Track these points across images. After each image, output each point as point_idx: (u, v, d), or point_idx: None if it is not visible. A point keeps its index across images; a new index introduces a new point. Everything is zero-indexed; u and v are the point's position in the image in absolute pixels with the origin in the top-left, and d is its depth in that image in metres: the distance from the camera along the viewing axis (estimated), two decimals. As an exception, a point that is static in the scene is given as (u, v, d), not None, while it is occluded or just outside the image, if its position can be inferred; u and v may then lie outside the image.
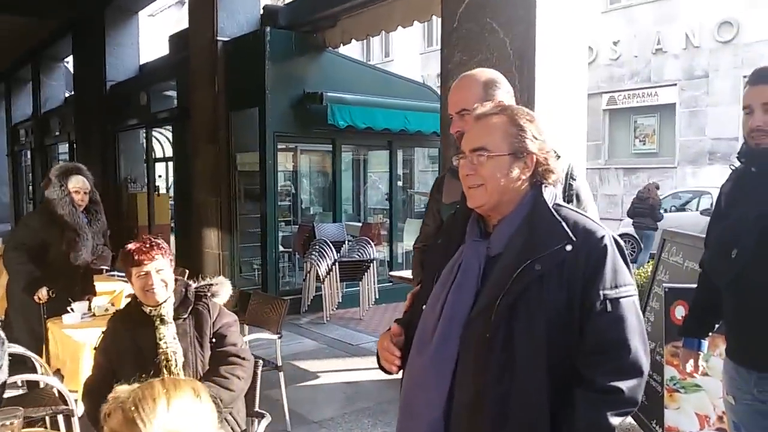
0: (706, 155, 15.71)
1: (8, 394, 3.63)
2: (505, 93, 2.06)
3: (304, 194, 10.22)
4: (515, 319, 1.47)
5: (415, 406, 1.59)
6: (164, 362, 2.42)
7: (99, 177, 10.94)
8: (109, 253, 4.45)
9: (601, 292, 1.47)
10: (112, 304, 4.01)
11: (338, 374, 5.39)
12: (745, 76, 2.24)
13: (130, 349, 2.47)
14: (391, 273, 7.19)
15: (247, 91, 7.60)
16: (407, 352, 1.66)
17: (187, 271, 5.42)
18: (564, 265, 1.47)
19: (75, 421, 3.21)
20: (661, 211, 11.52)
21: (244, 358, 2.52)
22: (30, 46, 14.74)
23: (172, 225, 10.74)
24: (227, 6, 7.89)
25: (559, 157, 2.00)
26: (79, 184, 4.30)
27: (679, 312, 3.13)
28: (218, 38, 7.80)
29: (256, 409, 2.71)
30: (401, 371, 1.69)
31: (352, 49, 21.29)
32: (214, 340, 2.52)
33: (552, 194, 1.60)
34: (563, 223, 1.51)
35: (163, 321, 2.46)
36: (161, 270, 2.46)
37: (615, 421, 1.45)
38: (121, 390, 1.13)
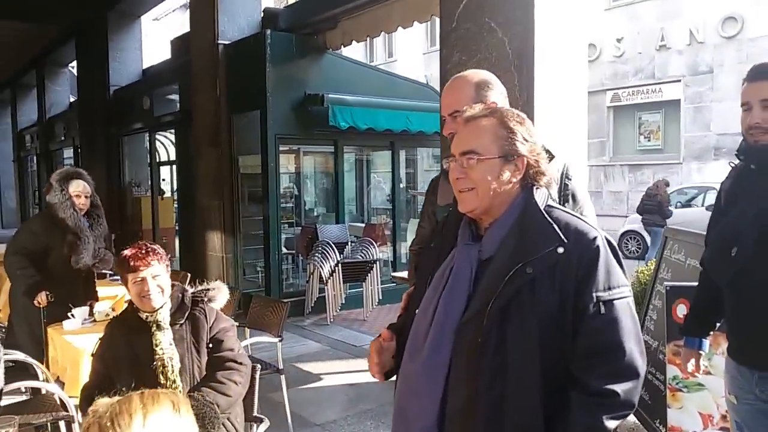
0: (712, 151, 15.63)
1: (11, 400, 3.66)
2: (498, 94, 2.04)
3: (308, 196, 10.23)
4: (507, 323, 1.45)
5: (409, 412, 1.58)
6: (161, 368, 2.41)
7: (103, 181, 11.10)
8: (111, 257, 4.46)
9: (594, 295, 1.45)
10: (113, 309, 4.00)
11: (341, 376, 5.38)
12: (750, 72, 2.21)
13: (126, 356, 2.47)
14: (394, 274, 7.19)
15: (249, 94, 7.61)
16: (400, 357, 1.65)
17: (189, 275, 5.44)
18: (556, 268, 1.46)
19: (75, 428, 3.21)
20: (671, 207, 11.45)
21: (241, 363, 2.51)
22: (34, 52, 14.83)
23: (177, 228, 10.77)
24: (228, 9, 7.90)
25: (553, 157, 1.99)
26: (79, 188, 4.32)
27: (681, 310, 3.11)
28: (219, 41, 7.82)
29: (255, 413, 2.70)
30: (394, 376, 1.68)
31: (355, 51, 21.32)
32: (211, 345, 2.51)
33: (543, 196, 1.58)
34: (554, 225, 1.49)
35: (159, 327, 2.46)
36: (157, 276, 2.46)
37: (611, 424, 1.43)
38: (101, 403, 1.12)
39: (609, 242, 1.53)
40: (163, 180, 11.50)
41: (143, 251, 2.45)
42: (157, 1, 11.46)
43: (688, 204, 13.25)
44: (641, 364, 1.47)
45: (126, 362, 2.46)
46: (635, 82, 17.27)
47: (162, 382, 2.42)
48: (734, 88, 15.00)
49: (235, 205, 8.11)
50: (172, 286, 2.58)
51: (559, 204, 2.00)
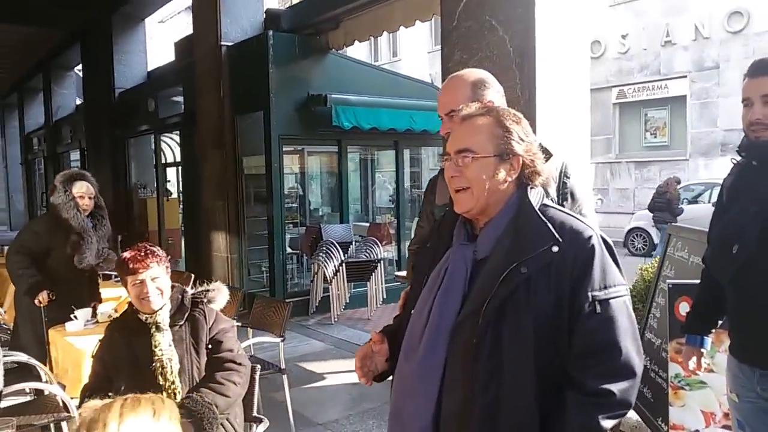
0: (719, 147, 15.54)
1: (16, 401, 3.69)
2: (495, 93, 2.03)
3: (312, 196, 10.25)
4: (503, 323, 1.45)
5: (404, 412, 1.58)
6: (160, 369, 2.42)
7: (110, 183, 11.16)
8: (114, 257, 4.48)
9: (589, 294, 1.44)
10: (116, 311, 4.02)
11: (344, 375, 5.38)
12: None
13: (126, 357, 2.47)
14: (398, 273, 7.19)
15: (252, 95, 7.63)
16: (395, 358, 1.65)
17: (193, 276, 5.46)
18: (551, 267, 1.45)
19: (78, 429, 3.22)
20: (681, 205, 11.40)
21: (240, 364, 2.52)
22: (40, 56, 14.91)
23: (182, 229, 10.81)
24: (231, 11, 7.93)
25: (551, 155, 1.99)
26: (83, 190, 4.35)
27: (684, 308, 3.08)
28: (222, 43, 7.84)
29: (255, 413, 2.70)
30: (389, 377, 1.68)
31: (360, 50, 21.33)
32: (210, 346, 2.52)
33: (539, 195, 1.57)
34: (549, 225, 1.48)
35: (158, 328, 2.46)
36: (156, 278, 2.46)
37: (607, 424, 1.42)
38: (87, 407, 1.13)
39: (605, 241, 1.52)
40: (168, 182, 11.54)
41: (142, 253, 2.46)
42: (161, 3, 11.49)
43: (694, 200, 13.20)
44: (638, 363, 1.46)
45: (125, 363, 2.47)
46: (641, 78, 17.19)
47: (161, 383, 2.43)
48: (741, 83, 14.89)
49: (240, 206, 8.13)
50: (172, 287, 2.58)
51: (558, 202, 2.01)
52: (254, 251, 8.23)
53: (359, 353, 1.70)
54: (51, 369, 3.80)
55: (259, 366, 2.77)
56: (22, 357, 3.67)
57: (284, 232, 7.96)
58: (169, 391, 2.44)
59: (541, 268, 1.44)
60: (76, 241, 4.26)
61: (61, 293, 4.23)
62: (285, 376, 4.29)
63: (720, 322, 2.43)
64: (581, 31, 4.15)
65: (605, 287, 1.46)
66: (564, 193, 2.04)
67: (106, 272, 5.32)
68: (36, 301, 4.18)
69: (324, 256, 7.59)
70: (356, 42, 7.65)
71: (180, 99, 9.82)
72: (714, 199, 12.25)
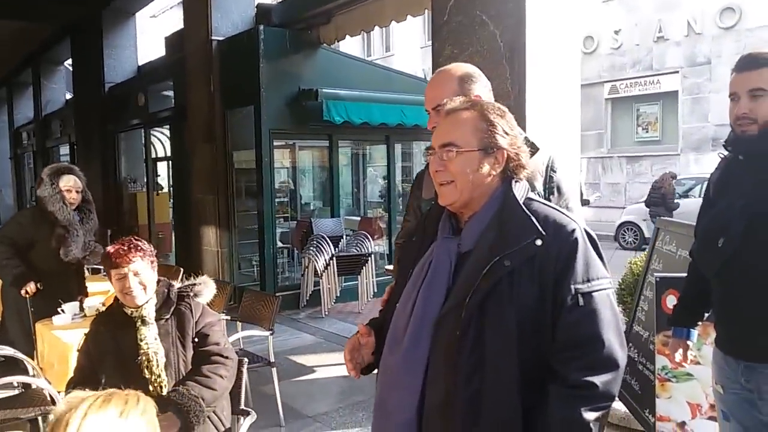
0: (710, 142, 15.62)
1: (4, 394, 3.67)
2: (482, 87, 2.03)
3: (303, 190, 10.23)
4: (485, 316, 1.45)
5: (389, 405, 1.58)
6: (145, 363, 2.41)
7: (99, 177, 11.10)
8: (101, 250, 4.46)
9: (572, 287, 1.45)
10: (104, 305, 4.00)
11: (335, 368, 5.39)
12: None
13: (111, 351, 2.46)
14: (388, 267, 7.20)
15: (242, 90, 7.61)
16: (381, 351, 1.65)
17: (182, 270, 5.45)
18: (535, 260, 1.45)
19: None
20: (677, 200, 11.44)
21: (227, 357, 2.51)
22: (30, 50, 14.80)
23: (173, 223, 10.78)
24: (221, 5, 7.90)
25: (537, 150, 1.99)
26: (70, 183, 4.33)
27: (671, 301, 3.10)
28: (213, 38, 7.81)
29: (242, 406, 2.70)
30: (375, 370, 1.68)
31: (353, 45, 21.29)
32: (196, 339, 2.51)
33: (523, 189, 1.57)
34: (533, 218, 1.48)
35: (144, 322, 2.45)
36: (139, 273, 2.44)
37: (590, 416, 1.42)
38: (61, 402, 1.12)
39: (588, 234, 1.52)
40: (159, 176, 11.49)
41: (125, 247, 2.44)
42: (151, -3, 11.45)
43: (685, 195, 13.26)
44: (621, 355, 1.46)
45: (111, 357, 2.46)
46: (633, 73, 17.25)
47: (147, 376, 2.42)
48: (731, 79, 14.97)
49: (230, 200, 8.12)
50: (159, 281, 2.57)
51: (545, 196, 2.01)
52: (245, 245, 8.23)
53: (348, 345, 1.70)
54: (37, 363, 3.79)
55: (246, 359, 2.76)
56: (8, 351, 3.64)
57: (275, 226, 7.95)
58: (155, 385, 2.44)
59: (525, 261, 1.45)
60: (61, 234, 4.23)
61: (48, 286, 4.21)
62: (274, 369, 4.30)
63: (706, 314, 2.45)
64: (572, 26, 4.16)
65: (588, 280, 1.46)
66: (551, 187, 2.04)
67: (95, 266, 5.30)
68: (23, 292, 4.16)
69: (314, 250, 7.59)
70: (348, 37, 7.64)
71: (170, 93, 9.78)
72: (705, 193, 12.32)
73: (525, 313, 1.44)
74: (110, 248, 2.46)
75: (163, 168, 11.55)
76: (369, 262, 7.72)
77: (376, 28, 7.53)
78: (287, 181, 9.60)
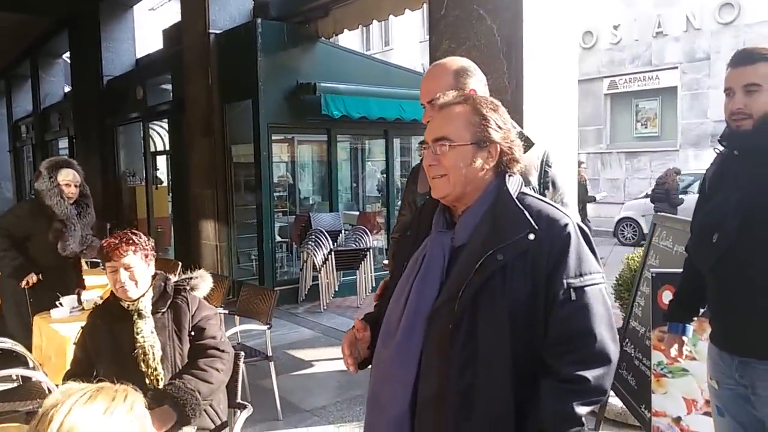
0: (709, 138, 15.61)
1: (2, 386, 3.68)
2: (477, 81, 2.03)
3: (302, 184, 10.23)
4: (478, 310, 1.45)
5: (382, 398, 1.59)
6: (142, 356, 2.42)
7: (98, 171, 11.09)
8: (98, 244, 4.48)
9: (565, 281, 1.45)
10: (102, 298, 4.01)
11: (333, 363, 5.40)
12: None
13: (108, 344, 2.47)
14: (386, 262, 7.20)
15: (240, 84, 7.60)
16: (375, 345, 1.65)
17: (180, 264, 5.45)
18: (527, 255, 1.46)
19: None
20: (681, 196, 11.43)
21: (223, 351, 2.52)
22: (28, 43, 14.75)
23: (172, 217, 10.78)
24: (218, -2, 7.87)
25: (532, 144, 1.99)
26: (69, 177, 4.33)
27: (667, 297, 3.10)
28: (210, 31, 7.78)
29: (239, 400, 2.70)
30: (369, 365, 1.69)
31: (352, 39, 21.24)
32: (193, 333, 2.52)
33: (517, 183, 1.58)
34: (526, 212, 1.49)
35: (140, 315, 2.46)
36: (131, 266, 2.44)
37: (582, 410, 1.43)
38: (51, 396, 1.11)
39: (581, 229, 1.52)
40: (158, 170, 11.48)
41: (117, 241, 2.44)
42: (149, -10, 11.40)
43: (684, 191, 13.24)
44: (613, 350, 1.47)
45: (108, 350, 2.46)
46: (632, 69, 17.22)
47: (143, 369, 2.43)
48: (729, 74, 14.93)
49: (229, 194, 8.11)
50: (155, 275, 2.57)
51: (540, 191, 2.02)
52: (243, 239, 8.23)
53: (346, 340, 1.71)
54: (34, 356, 3.79)
55: (243, 353, 2.77)
56: (7, 343, 3.65)
57: (273, 220, 7.94)
58: (152, 378, 2.45)
59: (518, 255, 1.45)
60: (59, 228, 4.24)
61: (46, 280, 4.23)
62: (272, 363, 4.31)
63: (702, 310, 2.45)
64: (570, 20, 4.15)
65: (581, 275, 1.46)
66: (545, 182, 2.05)
67: (94, 260, 5.31)
68: (23, 283, 4.17)
69: (313, 244, 7.59)
70: (346, 30, 7.62)
71: (168, 87, 9.76)
72: (704, 190, 12.31)
73: (517, 307, 1.44)
74: (104, 241, 2.46)
75: (162, 162, 11.54)
76: (367, 256, 7.73)
77: (375, 22, 7.52)
78: (286, 175, 9.60)
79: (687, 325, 2.46)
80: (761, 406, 2.07)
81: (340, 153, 9.23)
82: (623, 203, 14.62)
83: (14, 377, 3.96)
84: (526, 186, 1.65)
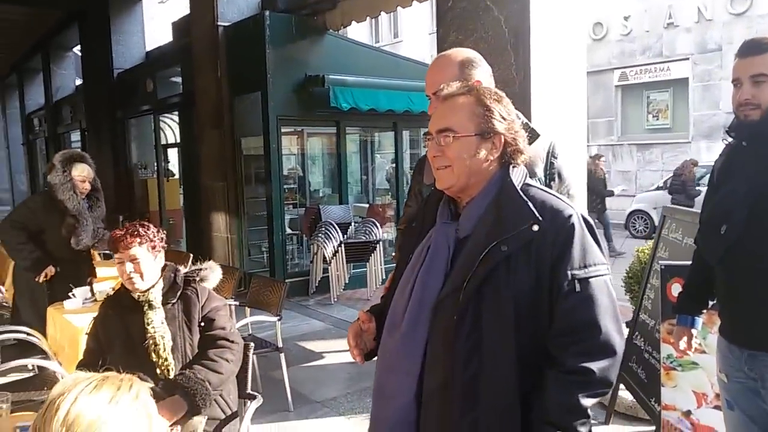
0: (721, 129, 15.39)
1: (19, 376, 3.73)
2: (483, 72, 2.02)
3: (312, 177, 10.24)
4: (483, 301, 1.46)
5: (387, 389, 1.60)
6: (152, 346, 2.44)
7: (110, 164, 11.16)
8: (109, 236, 4.53)
9: (569, 273, 1.45)
10: (113, 289, 4.05)
11: (343, 354, 5.42)
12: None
13: (119, 334, 2.50)
14: (395, 254, 7.20)
15: (249, 76, 7.61)
16: (381, 336, 1.67)
17: (191, 256, 5.49)
18: (531, 246, 1.46)
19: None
20: (698, 188, 11.35)
21: (233, 341, 2.54)
22: (39, 36, 14.83)
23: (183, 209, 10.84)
24: (227, -9, 7.88)
25: (538, 135, 1.99)
26: (84, 173, 4.37)
27: (676, 289, 3.10)
28: (219, 23, 7.80)
29: (249, 390, 2.73)
30: (373, 358, 1.70)
31: (361, 32, 21.19)
32: (202, 324, 2.54)
33: (521, 174, 1.58)
34: (530, 204, 1.49)
35: (151, 306, 2.48)
36: (136, 259, 2.46)
37: (587, 402, 1.44)
38: (58, 384, 1.13)
39: (585, 220, 1.52)
40: (169, 162, 11.54)
41: (123, 233, 2.47)
42: (159, -17, 11.43)
43: (697, 183, 13.16)
44: (618, 342, 1.47)
45: (119, 341, 2.49)
46: (643, 60, 17.06)
47: (154, 360, 2.46)
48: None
49: (239, 187, 8.15)
50: (165, 266, 2.60)
51: (546, 183, 2.01)
52: (254, 232, 8.26)
53: (351, 331, 1.72)
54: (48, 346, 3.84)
55: (252, 344, 2.79)
56: (24, 333, 3.70)
57: (283, 212, 7.97)
58: (163, 368, 2.47)
59: (522, 246, 1.45)
60: (71, 223, 4.28)
61: (60, 272, 4.27)
62: (282, 355, 4.34)
63: (711, 302, 2.44)
64: (578, 11, 4.13)
65: (585, 266, 1.47)
66: (551, 174, 2.05)
67: (107, 251, 5.36)
68: (42, 276, 4.22)
69: (323, 236, 7.61)
70: (354, 22, 7.60)
71: (178, 79, 9.79)
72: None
73: (522, 299, 1.45)
74: (113, 233, 2.49)
75: (173, 154, 11.60)
76: (377, 249, 7.74)
77: (383, 13, 7.49)
78: (295, 167, 9.62)
79: (696, 317, 2.45)
80: (771, 399, 2.07)
81: (350, 145, 9.23)
82: (634, 195, 14.53)
83: (30, 367, 4.01)
84: (531, 177, 1.65)
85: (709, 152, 15.52)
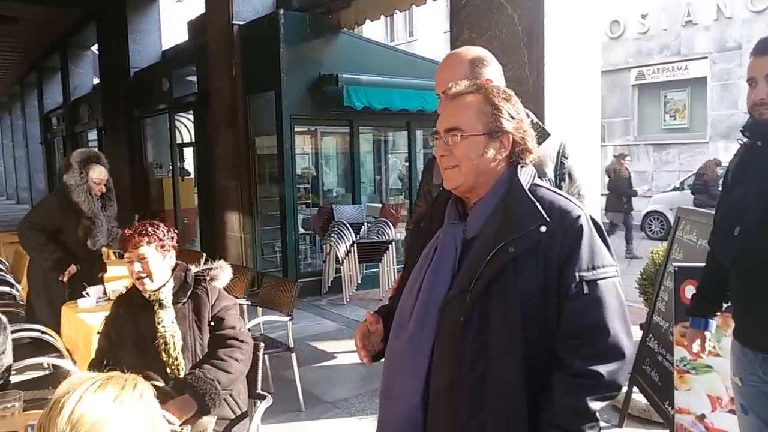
0: (739, 130, 15.25)
1: (34, 374, 3.77)
2: (493, 71, 2.01)
3: (325, 176, 10.26)
4: (490, 302, 1.44)
5: (394, 390, 1.59)
6: (163, 345, 2.46)
7: (126, 162, 11.25)
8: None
9: (577, 274, 1.43)
10: (126, 288, 4.08)
11: (355, 355, 5.37)
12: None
13: (130, 333, 2.51)
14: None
15: (263, 75, 7.63)
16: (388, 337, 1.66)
17: (204, 255, 5.51)
18: (539, 247, 1.44)
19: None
20: (719, 188, 11.24)
21: (242, 341, 2.54)
22: (58, 35, 14.99)
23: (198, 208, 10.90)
24: (242, -11, 7.91)
25: (548, 135, 1.97)
26: (102, 176, 4.42)
27: (689, 291, 3.06)
28: (234, 22, 7.83)
29: (260, 390, 2.73)
30: (381, 359, 1.69)
31: (376, 30, 21.19)
32: (212, 323, 2.55)
33: (529, 174, 1.56)
34: (538, 204, 1.47)
35: (161, 305, 2.50)
36: (144, 258, 2.47)
37: (596, 405, 1.42)
38: (63, 384, 1.14)
39: (594, 221, 1.50)
40: (184, 161, 11.61)
41: (133, 231, 2.48)
42: (175, -18, 11.51)
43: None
44: (627, 344, 1.45)
45: (130, 340, 2.51)
46: (660, 59, 16.87)
47: (164, 359, 2.47)
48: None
49: (253, 186, 8.17)
50: (176, 265, 2.61)
51: (556, 183, 1.99)
52: (267, 231, 8.29)
53: (358, 333, 1.72)
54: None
55: (262, 343, 2.80)
56: (38, 331, 3.74)
57: (296, 212, 7.98)
58: (173, 368, 2.48)
59: (529, 247, 1.44)
60: (87, 225, 4.34)
61: (77, 271, 4.32)
62: (293, 355, 4.34)
63: (725, 305, 2.41)
64: (593, 9, 4.09)
65: (593, 268, 1.45)
66: (562, 174, 2.02)
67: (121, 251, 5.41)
68: (66, 275, 4.27)
69: (336, 236, 7.62)
70: (368, 21, 7.60)
71: (193, 78, 9.85)
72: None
73: (529, 300, 1.43)
74: (123, 232, 2.50)
75: (189, 153, 11.66)
76: (390, 249, 7.72)
77: (397, 12, 7.48)
78: (309, 167, 9.63)
79: (710, 320, 2.42)
80: (786, 404, 2.04)
81: (363, 145, 9.22)
82: (650, 196, 14.39)
83: (45, 365, 4.05)
84: (542, 177, 1.63)
85: (727, 153, 15.31)
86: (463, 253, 1.53)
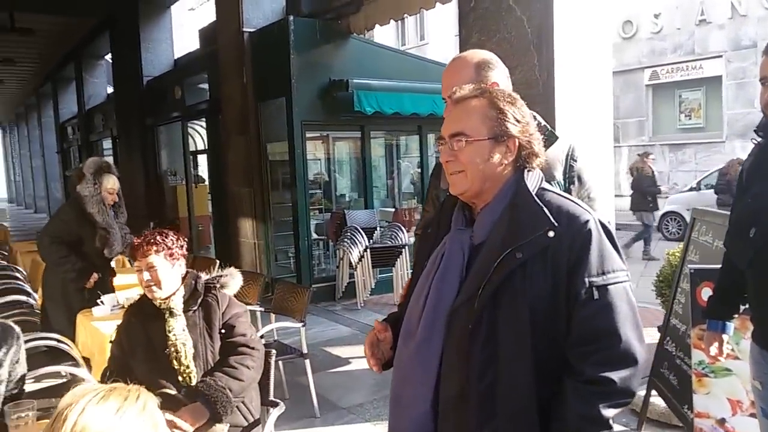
0: (753, 130, 15.06)
1: (52, 382, 3.79)
2: (499, 74, 1.98)
3: (338, 181, 10.27)
4: (498, 309, 1.43)
5: (404, 398, 1.57)
6: (174, 354, 2.46)
7: (141, 171, 11.35)
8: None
9: (586, 280, 1.41)
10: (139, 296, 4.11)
11: (369, 360, 5.40)
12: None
13: (142, 341, 2.52)
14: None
15: (274, 81, 7.66)
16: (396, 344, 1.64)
17: (218, 262, 5.53)
18: (547, 252, 1.42)
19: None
20: None
21: (253, 348, 2.54)
22: (72, 45, 15.18)
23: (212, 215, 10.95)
24: (252, -4, 7.96)
25: (556, 138, 1.94)
26: (115, 186, 4.47)
27: (706, 293, 3.01)
28: (244, 29, 7.87)
29: (271, 397, 2.73)
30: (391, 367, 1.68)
31: (387, 34, 21.22)
32: (223, 330, 2.55)
33: (536, 178, 1.54)
34: (545, 209, 1.45)
35: (172, 313, 2.50)
36: (153, 267, 2.47)
37: (608, 413, 1.39)
38: (67, 395, 1.14)
39: (603, 226, 1.48)
40: (198, 167, 11.68)
41: (142, 240, 2.49)
42: (186, -9, 11.60)
43: (730, 184, 12.86)
44: (639, 350, 1.42)
45: (141, 348, 2.51)
46: (674, 58, 16.71)
47: (176, 367, 2.47)
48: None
49: (265, 192, 8.20)
50: (186, 273, 2.61)
51: (565, 186, 1.97)
52: (280, 237, 8.31)
53: (367, 341, 1.70)
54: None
55: (274, 350, 2.79)
56: (55, 340, 3.76)
57: (309, 217, 7.99)
58: (184, 376, 2.49)
59: (537, 253, 1.42)
60: (103, 236, 4.39)
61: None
62: (307, 361, 4.33)
63: (743, 307, 2.36)
64: (603, 9, 4.05)
65: (603, 273, 1.42)
66: (571, 177, 2.00)
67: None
68: (90, 283, 4.33)
69: (348, 241, 7.61)
70: (377, 26, 7.60)
71: (205, 86, 9.92)
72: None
73: (538, 306, 1.41)
74: (134, 240, 2.51)
75: (203, 161, 11.73)
76: (403, 253, 7.69)
77: (406, 16, 7.47)
78: (321, 172, 9.65)
79: (727, 322, 2.38)
80: (805, 408, 1.99)
81: (375, 149, 9.21)
82: (667, 197, 14.25)
83: (63, 373, 4.07)
84: (550, 181, 1.60)
85: (744, 152, 15.12)
86: (470, 259, 1.51)
